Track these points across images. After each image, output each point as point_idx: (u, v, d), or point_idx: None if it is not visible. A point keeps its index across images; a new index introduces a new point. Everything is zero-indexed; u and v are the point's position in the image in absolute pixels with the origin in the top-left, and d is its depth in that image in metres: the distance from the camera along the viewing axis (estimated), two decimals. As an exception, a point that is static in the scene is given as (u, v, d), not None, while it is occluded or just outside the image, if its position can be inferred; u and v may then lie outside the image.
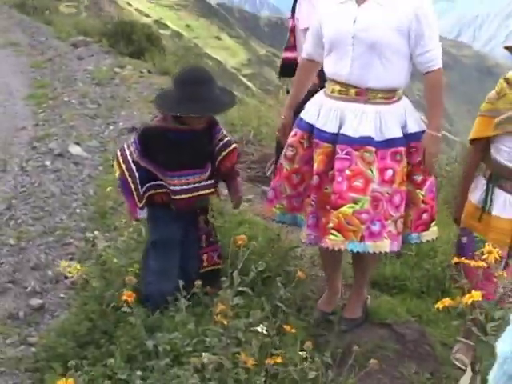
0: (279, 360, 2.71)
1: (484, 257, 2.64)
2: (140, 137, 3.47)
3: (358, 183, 3.24)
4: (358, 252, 3.32)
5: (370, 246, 3.29)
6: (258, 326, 2.80)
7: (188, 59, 13.00)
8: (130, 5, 57.94)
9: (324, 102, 3.47)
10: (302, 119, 3.57)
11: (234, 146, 3.69)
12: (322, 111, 3.45)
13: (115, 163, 3.56)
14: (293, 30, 5.54)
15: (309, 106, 3.58)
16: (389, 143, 3.31)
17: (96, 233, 4.98)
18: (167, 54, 12.75)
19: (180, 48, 14.73)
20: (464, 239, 3.49)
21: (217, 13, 73.63)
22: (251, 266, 3.10)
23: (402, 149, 3.34)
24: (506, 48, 3.47)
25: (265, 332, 2.72)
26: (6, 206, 5.60)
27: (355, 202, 3.24)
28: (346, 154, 3.27)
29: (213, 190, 3.64)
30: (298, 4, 5.32)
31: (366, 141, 3.27)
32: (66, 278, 4.33)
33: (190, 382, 2.56)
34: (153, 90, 9.45)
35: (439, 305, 2.72)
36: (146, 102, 8.80)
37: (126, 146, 3.51)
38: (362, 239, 3.26)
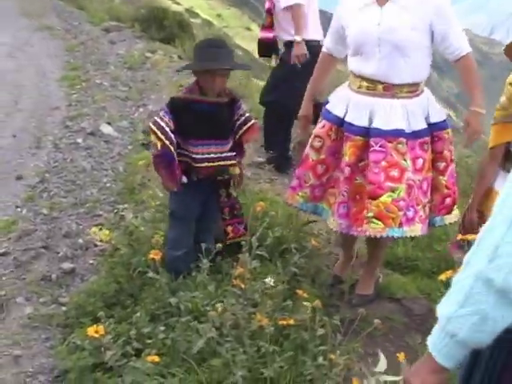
0: (291, 321, 2.93)
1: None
2: (168, 106, 3.66)
3: (395, 173, 3.43)
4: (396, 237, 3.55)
5: (406, 231, 3.49)
6: (272, 288, 3.03)
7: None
8: (162, -8, 58.32)
9: (352, 97, 3.65)
10: (330, 112, 3.73)
11: (254, 121, 3.88)
12: (350, 106, 3.63)
13: (153, 136, 3.63)
14: (269, 11, 5.91)
15: (335, 100, 3.76)
16: (416, 134, 3.52)
17: (125, 205, 5.23)
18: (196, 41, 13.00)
19: (210, 36, 14.91)
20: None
21: (248, 3, 73.69)
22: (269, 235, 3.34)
23: (428, 139, 3.55)
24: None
25: (272, 284, 2.93)
26: (39, 179, 5.90)
27: (393, 190, 3.42)
28: (380, 146, 3.45)
29: (234, 161, 3.81)
30: None
31: (397, 133, 3.46)
32: (96, 245, 4.60)
33: (209, 336, 2.78)
34: (182, 75, 9.68)
35: (442, 277, 2.90)
36: (176, 86, 9.02)
37: (158, 119, 3.63)
38: (400, 225, 3.45)
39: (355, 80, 3.66)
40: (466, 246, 3.04)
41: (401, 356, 2.39)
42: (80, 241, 4.70)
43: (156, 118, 3.64)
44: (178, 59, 10.96)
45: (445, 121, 3.65)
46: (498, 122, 3.57)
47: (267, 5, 5.92)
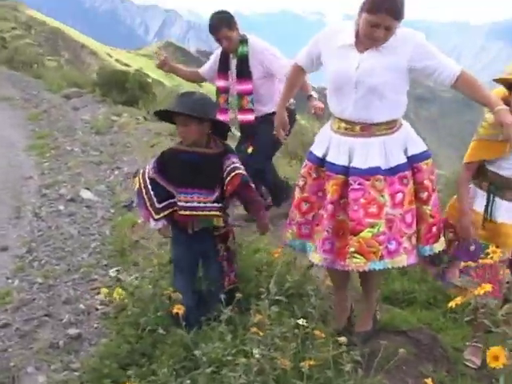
0: (313, 362, 3.03)
1: (489, 256, 2.98)
2: (158, 157, 3.96)
3: (373, 209, 3.57)
4: (378, 270, 3.64)
5: (388, 262, 3.60)
6: (291, 332, 3.13)
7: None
8: (110, 56, 58.73)
9: (332, 137, 3.82)
10: (311, 152, 3.93)
11: (238, 171, 3.89)
12: (331, 146, 3.81)
13: (136, 179, 4.03)
14: (225, 90, 5.90)
15: (317, 141, 3.95)
16: (395, 169, 3.66)
17: (118, 267, 5.30)
18: (159, 101, 13.19)
19: (169, 94, 15.14)
20: (472, 247, 3.81)
21: (197, 60, 74.59)
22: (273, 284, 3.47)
23: (408, 173, 3.68)
24: (495, 81, 3.86)
25: (305, 324, 3.04)
26: (26, 249, 5.91)
27: (372, 226, 3.56)
28: (358, 184, 3.61)
29: (217, 212, 3.90)
30: (234, 64, 5.74)
31: (375, 170, 3.61)
32: (97, 309, 4.66)
33: (239, 383, 2.86)
34: (152, 135, 9.87)
35: (452, 303, 3.01)
36: (147, 146, 9.19)
37: (147, 165, 3.96)
38: (381, 258, 3.57)
39: (335, 121, 3.83)
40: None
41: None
42: (81, 306, 4.74)
43: (148, 164, 4.01)
44: (143, 120, 11.13)
45: (424, 152, 3.76)
46: (482, 139, 3.79)
47: (222, 83, 5.90)
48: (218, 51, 5.95)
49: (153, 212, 3.91)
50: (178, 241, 4.02)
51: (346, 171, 3.68)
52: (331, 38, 3.77)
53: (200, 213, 3.85)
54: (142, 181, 3.94)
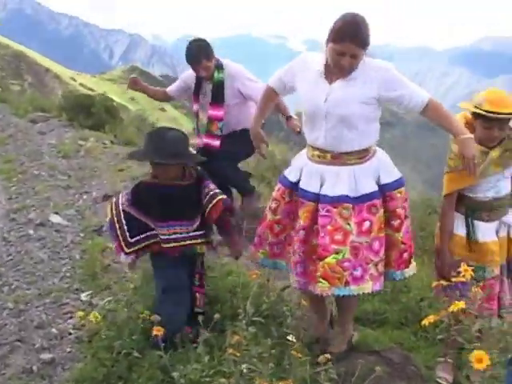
0: (290, 382, 3.07)
1: (462, 275, 3.07)
2: (133, 190, 3.95)
3: (339, 236, 3.70)
4: (343, 296, 3.74)
5: (354, 289, 3.72)
6: (268, 352, 3.17)
7: (146, 129, 13.42)
8: (74, 80, 58.46)
9: (306, 164, 3.95)
10: (285, 177, 4.06)
11: (220, 197, 3.96)
12: (303, 172, 3.94)
13: (108, 209, 3.98)
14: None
15: (292, 166, 4.08)
16: (364, 198, 3.77)
17: (90, 291, 5.28)
18: (125, 125, 13.20)
19: (135, 118, 15.18)
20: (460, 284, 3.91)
21: (161, 84, 74.58)
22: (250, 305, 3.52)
23: (377, 201, 3.78)
24: (462, 107, 4.00)
25: (294, 340, 3.09)
26: (-5, 274, 5.86)
27: (337, 252, 3.69)
28: (326, 211, 3.74)
29: (201, 240, 4.00)
30: (208, 89, 5.87)
31: (342, 198, 3.74)
32: (70, 333, 4.64)
33: (217, 404, 2.90)
34: (119, 159, 9.87)
35: (425, 321, 3.10)
36: (115, 171, 9.19)
37: (120, 196, 3.95)
38: (346, 284, 3.69)
39: (309, 148, 3.96)
40: (447, 289, 3.28)
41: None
42: (54, 330, 4.71)
43: (120, 194, 4.00)
44: (110, 144, 11.11)
45: (397, 180, 3.88)
46: (454, 171, 3.93)
47: (194, 107, 6.10)
48: (189, 74, 6.03)
49: (124, 246, 3.91)
50: (165, 265, 3.96)
51: (317, 198, 3.80)
52: (303, 68, 3.91)
53: (183, 243, 3.91)
54: (114, 212, 3.92)
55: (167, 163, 3.78)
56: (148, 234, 3.94)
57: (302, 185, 3.90)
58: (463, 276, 3.13)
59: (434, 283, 3.48)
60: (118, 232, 3.89)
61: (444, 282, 3.33)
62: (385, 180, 3.84)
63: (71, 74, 63.69)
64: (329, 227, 3.71)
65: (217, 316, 3.42)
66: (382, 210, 3.80)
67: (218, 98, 5.86)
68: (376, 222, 3.76)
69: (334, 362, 3.74)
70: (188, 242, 3.93)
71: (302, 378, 3.10)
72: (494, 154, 3.88)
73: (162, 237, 3.86)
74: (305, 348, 3.75)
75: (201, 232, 3.98)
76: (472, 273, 3.11)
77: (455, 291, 3.39)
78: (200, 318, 3.46)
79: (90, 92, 38.30)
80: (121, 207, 3.90)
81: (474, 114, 3.90)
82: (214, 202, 3.93)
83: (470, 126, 3.92)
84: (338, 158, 3.80)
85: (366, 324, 4.61)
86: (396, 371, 3.90)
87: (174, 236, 3.87)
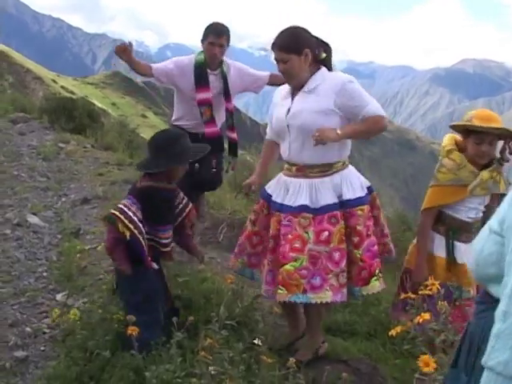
0: (259, 386, 3.17)
1: (428, 288, 3.19)
2: (138, 196, 3.77)
3: (297, 244, 3.85)
4: (304, 303, 3.86)
5: (311, 297, 3.83)
6: (239, 356, 3.26)
7: (126, 134, 13.48)
8: (55, 82, 58.39)
9: (280, 178, 4.17)
10: (265, 190, 4.24)
11: (191, 204, 4.14)
12: (277, 185, 4.14)
13: (120, 225, 3.63)
14: (209, 102, 5.82)
15: (272, 180, 4.25)
16: (324, 209, 3.90)
17: (65, 292, 5.33)
18: (106, 130, 13.24)
19: (116, 123, 15.21)
20: (442, 291, 3.99)
21: (142, 90, 74.68)
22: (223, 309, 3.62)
23: (337, 213, 3.90)
24: (451, 127, 4.14)
25: (260, 344, 3.18)
26: (-29, 272, 5.89)
27: (295, 260, 3.83)
28: (288, 220, 3.92)
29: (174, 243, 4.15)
30: (216, 80, 5.81)
31: (302, 208, 3.90)
32: (44, 333, 4.69)
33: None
34: (99, 163, 9.95)
35: (392, 332, 3.20)
36: (95, 175, 9.26)
37: (125, 208, 3.69)
38: (304, 291, 3.81)
39: (284, 162, 4.13)
40: (410, 307, 3.37)
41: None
42: (28, 329, 4.74)
43: (121, 206, 3.70)
44: (91, 148, 11.18)
45: (360, 198, 3.99)
46: (442, 185, 4.04)
47: (204, 95, 5.77)
48: (186, 61, 5.96)
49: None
50: (149, 275, 3.90)
51: (282, 208, 3.99)
52: (278, 94, 4.22)
53: (173, 245, 4.06)
54: (132, 225, 3.66)
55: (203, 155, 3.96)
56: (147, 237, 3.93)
57: (273, 197, 4.10)
58: (430, 290, 3.24)
59: (402, 295, 3.56)
60: (143, 244, 3.72)
61: (412, 295, 3.43)
62: (346, 196, 3.97)
63: (52, 76, 63.57)
64: (289, 236, 3.86)
65: (190, 318, 3.51)
66: (342, 222, 3.91)
67: (228, 92, 5.91)
68: (336, 232, 3.87)
69: (303, 368, 3.86)
70: (173, 244, 4.07)
71: (271, 382, 3.19)
72: (484, 176, 3.99)
73: (163, 241, 3.93)
74: (274, 353, 3.84)
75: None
76: (438, 287, 3.23)
77: (422, 305, 3.49)
78: (174, 319, 3.53)
79: (70, 95, 38.28)
80: (136, 218, 3.69)
81: (464, 131, 4.03)
82: (188, 210, 4.10)
83: (460, 147, 4.07)
84: (301, 171, 3.98)
85: (336, 334, 4.71)
86: (363, 381, 4.00)
87: (168, 240, 3.97)
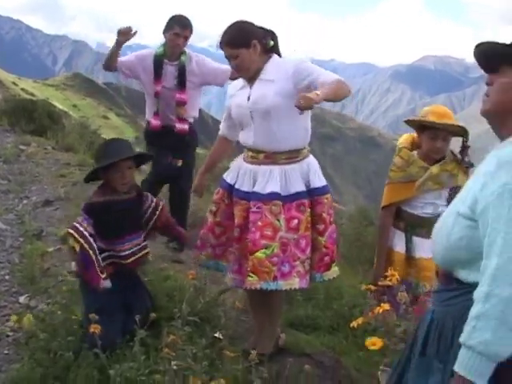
0: (223, 381, 3.20)
1: (388, 279, 3.27)
2: (89, 212, 3.86)
3: (268, 232, 3.85)
4: (271, 291, 3.88)
5: (282, 284, 3.86)
6: (202, 352, 3.30)
7: (88, 136, 13.41)
8: (15, 84, 57.64)
9: (241, 166, 4.15)
10: (224, 180, 4.23)
11: (161, 203, 4.26)
12: (239, 173, 4.13)
13: (71, 240, 3.77)
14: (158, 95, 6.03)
15: (231, 169, 4.26)
16: (294, 196, 3.94)
17: (29, 295, 5.30)
18: (67, 132, 13.15)
19: (77, 125, 15.13)
20: (402, 287, 4.05)
21: (104, 91, 74.10)
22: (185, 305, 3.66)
23: (305, 201, 3.95)
24: (406, 122, 4.23)
25: (221, 337, 3.22)
26: None
27: (266, 247, 3.84)
28: (257, 208, 3.91)
29: (148, 249, 4.15)
30: (170, 71, 5.95)
31: (273, 196, 3.91)
32: (7, 336, 4.65)
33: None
34: (60, 165, 9.88)
35: (354, 323, 3.27)
36: (56, 176, 9.20)
37: (77, 225, 3.80)
38: (275, 279, 3.84)
39: (245, 150, 4.17)
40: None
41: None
42: (-10, 333, 4.72)
43: (75, 223, 3.82)
44: (52, 150, 11.10)
45: (325, 186, 4.07)
46: (395, 182, 4.14)
47: (155, 88, 5.99)
48: (147, 54, 6.04)
49: (99, 272, 3.80)
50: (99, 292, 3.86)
51: (249, 196, 3.98)
52: (233, 87, 4.27)
53: (139, 254, 4.04)
54: (83, 241, 3.75)
55: (133, 155, 3.97)
56: (104, 255, 3.93)
57: (237, 185, 4.10)
58: (390, 280, 3.31)
59: (363, 286, 3.65)
60: (94, 259, 3.75)
61: (372, 287, 3.50)
62: (314, 184, 4.02)
63: (12, 78, 62.73)
64: (259, 223, 3.87)
65: (153, 315, 3.53)
66: (309, 210, 3.96)
67: (183, 83, 5.97)
68: (303, 220, 3.92)
69: (266, 362, 3.91)
70: (143, 251, 4.08)
71: (234, 376, 3.23)
72: (434, 170, 4.10)
73: (122, 253, 3.95)
74: (238, 348, 3.88)
75: (146, 242, 4.14)
76: (398, 277, 3.30)
77: (382, 296, 3.57)
78: (136, 317, 3.55)
79: (31, 97, 37.82)
80: (86, 233, 3.77)
81: (419, 127, 4.12)
82: (160, 208, 4.20)
83: (417, 145, 4.17)
84: (270, 158, 3.99)
85: (299, 329, 4.76)
86: (327, 374, 4.05)
87: (131, 250, 3.98)
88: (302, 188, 3.97)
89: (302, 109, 3.50)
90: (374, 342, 2.89)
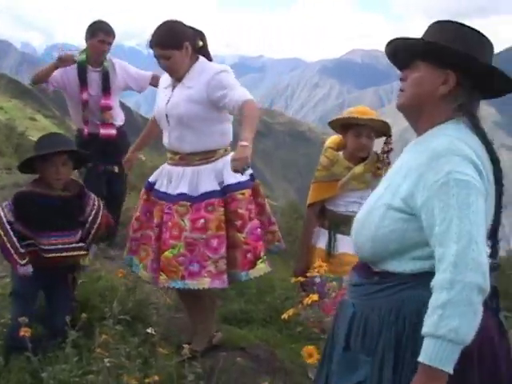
0: (157, 378, 3.20)
1: (316, 269, 3.33)
2: (13, 200, 3.84)
3: (175, 232, 3.93)
4: (183, 289, 3.96)
5: (190, 283, 3.90)
6: (135, 350, 3.29)
7: (14, 138, 13.13)
8: None
9: (163, 167, 4.25)
10: (147, 180, 4.34)
11: (103, 211, 4.14)
12: (162, 174, 4.21)
13: None
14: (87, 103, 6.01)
15: (157, 170, 4.32)
16: (203, 197, 3.97)
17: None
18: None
19: (4, 127, 14.78)
20: (317, 279, 4.11)
21: (30, 92, 72.37)
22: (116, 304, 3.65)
23: (215, 200, 3.95)
24: (329, 124, 4.31)
25: (154, 333, 3.21)
26: None
27: (173, 247, 3.91)
28: (168, 209, 4.00)
29: (83, 252, 4.03)
30: (94, 77, 5.95)
31: (180, 197, 3.98)
32: None
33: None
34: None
35: (285, 315, 3.31)
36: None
37: (0, 209, 3.82)
38: (182, 278, 3.89)
39: (167, 152, 4.22)
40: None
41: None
42: None
43: None
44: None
45: (241, 182, 4.01)
46: (319, 181, 4.22)
47: (82, 97, 5.95)
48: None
49: (18, 258, 3.80)
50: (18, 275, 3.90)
51: (165, 197, 4.07)
52: (162, 82, 4.29)
53: (66, 254, 3.93)
54: (1, 229, 3.80)
55: (69, 149, 3.90)
56: (28, 241, 3.89)
57: (156, 185, 4.18)
58: (317, 271, 3.37)
59: (293, 279, 3.70)
60: (9, 246, 3.77)
61: (302, 279, 3.56)
62: (228, 181, 4.02)
63: None
64: (169, 223, 3.95)
65: (83, 316, 3.49)
66: (221, 209, 3.96)
67: (107, 87, 5.97)
68: (214, 220, 3.92)
69: (200, 357, 3.92)
70: (70, 252, 3.96)
71: (168, 372, 3.23)
72: (357, 170, 4.20)
73: (43, 247, 3.87)
74: (171, 345, 3.88)
75: (83, 244, 4.03)
76: (325, 268, 3.37)
77: (312, 287, 3.63)
78: (67, 318, 3.50)
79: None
80: (5, 219, 3.79)
81: (343, 127, 4.22)
82: (100, 219, 4.09)
83: (343, 145, 4.25)
84: (184, 159, 4.05)
85: (233, 323, 4.79)
86: (262, 366, 4.09)
87: (53, 247, 3.89)
88: (213, 187, 3.99)
89: (241, 171, 3.52)
90: (310, 353, 2.92)
